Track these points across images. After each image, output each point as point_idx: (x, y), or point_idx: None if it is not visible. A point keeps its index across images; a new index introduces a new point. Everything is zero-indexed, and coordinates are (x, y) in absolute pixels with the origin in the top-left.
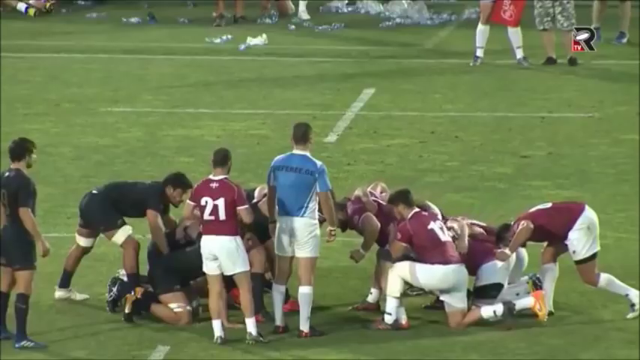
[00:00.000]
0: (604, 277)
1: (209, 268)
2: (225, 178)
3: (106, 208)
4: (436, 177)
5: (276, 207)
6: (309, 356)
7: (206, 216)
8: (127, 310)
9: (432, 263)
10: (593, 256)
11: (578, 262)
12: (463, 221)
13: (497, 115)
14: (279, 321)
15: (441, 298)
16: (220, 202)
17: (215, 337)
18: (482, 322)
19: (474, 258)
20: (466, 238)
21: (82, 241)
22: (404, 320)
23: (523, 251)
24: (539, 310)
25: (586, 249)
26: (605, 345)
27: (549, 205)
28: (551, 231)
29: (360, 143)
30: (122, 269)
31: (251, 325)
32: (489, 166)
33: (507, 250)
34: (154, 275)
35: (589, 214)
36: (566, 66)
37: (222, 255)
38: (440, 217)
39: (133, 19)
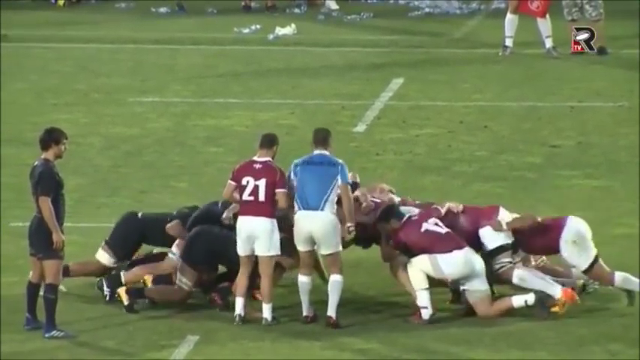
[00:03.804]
0: (619, 276)
1: (243, 248)
2: (269, 160)
3: (129, 234)
4: (465, 167)
5: (296, 203)
6: (338, 345)
7: (245, 196)
8: (125, 303)
9: (450, 251)
10: (595, 261)
11: (585, 272)
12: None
13: (527, 104)
14: (306, 311)
15: (464, 287)
16: (262, 183)
17: (235, 314)
18: (512, 312)
19: (474, 223)
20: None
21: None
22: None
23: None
24: (559, 307)
25: (583, 259)
26: (634, 335)
27: (538, 219)
28: (539, 245)
29: (389, 133)
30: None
31: (267, 310)
32: (518, 155)
33: (504, 224)
34: (191, 243)
35: (572, 226)
36: (595, 55)
37: (259, 236)
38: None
39: (162, 9)
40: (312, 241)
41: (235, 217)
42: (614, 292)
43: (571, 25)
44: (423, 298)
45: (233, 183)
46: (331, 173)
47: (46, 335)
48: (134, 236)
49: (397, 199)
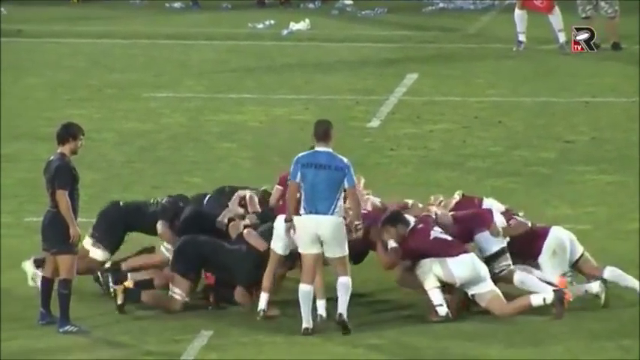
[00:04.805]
0: (573, 288)
1: (278, 246)
2: None
3: (114, 224)
4: (479, 162)
5: (303, 208)
6: (351, 341)
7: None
8: (119, 302)
9: (457, 255)
10: (562, 275)
11: (548, 282)
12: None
13: (540, 100)
14: (306, 322)
15: (472, 292)
16: None
17: (258, 309)
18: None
19: (467, 229)
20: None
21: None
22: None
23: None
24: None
25: (553, 271)
26: None
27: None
28: (521, 248)
29: (403, 128)
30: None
31: (321, 307)
32: (532, 151)
33: (501, 229)
34: (179, 252)
35: (555, 235)
36: (609, 51)
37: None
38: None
39: (176, 5)
40: (318, 244)
41: (230, 221)
42: (627, 288)
43: (585, 22)
44: (437, 296)
45: (280, 187)
46: (339, 178)
47: (60, 330)
48: (119, 226)
49: (377, 200)
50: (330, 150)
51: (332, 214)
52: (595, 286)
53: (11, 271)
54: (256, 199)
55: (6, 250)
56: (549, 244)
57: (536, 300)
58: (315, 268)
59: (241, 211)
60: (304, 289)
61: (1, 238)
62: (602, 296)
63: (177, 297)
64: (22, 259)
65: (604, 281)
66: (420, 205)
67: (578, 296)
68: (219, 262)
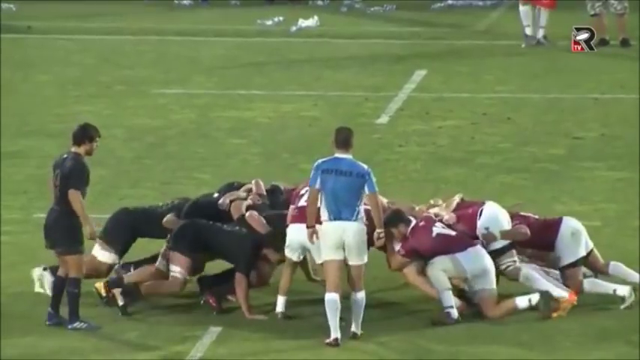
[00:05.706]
0: (587, 282)
1: (292, 254)
2: None
3: (122, 229)
4: (488, 158)
5: (325, 214)
6: (360, 338)
7: (301, 202)
8: (120, 303)
9: (465, 249)
10: (576, 263)
11: (562, 269)
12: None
13: (550, 96)
14: (334, 332)
15: (477, 287)
16: None
17: (277, 312)
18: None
19: (472, 227)
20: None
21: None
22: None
23: None
24: (562, 310)
25: (570, 254)
26: None
27: (537, 217)
28: (535, 239)
29: (412, 125)
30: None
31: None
32: (541, 147)
33: (497, 234)
34: (178, 233)
35: (570, 222)
36: (617, 47)
37: (310, 246)
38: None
39: (185, 1)
40: (342, 250)
41: (232, 203)
42: (636, 285)
43: (593, 19)
44: (448, 298)
45: (292, 206)
46: (359, 185)
47: (70, 327)
48: (127, 231)
49: (385, 201)
50: (351, 157)
51: (356, 220)
52: (625, 290)
53: (21, 268)
54: (262, 184)
55: (16, 247)
56: (566, 228)
57: (521, 302)
58: (339, 275)
59: (244, 195)
60: (330, 297)
61: (1, 235)
62: (629, 301)
63: (178, 275)
64: (31, 255)
65: (634, 289)
66: (419, 207)
67: (606, 294)
68: (218, 244)
